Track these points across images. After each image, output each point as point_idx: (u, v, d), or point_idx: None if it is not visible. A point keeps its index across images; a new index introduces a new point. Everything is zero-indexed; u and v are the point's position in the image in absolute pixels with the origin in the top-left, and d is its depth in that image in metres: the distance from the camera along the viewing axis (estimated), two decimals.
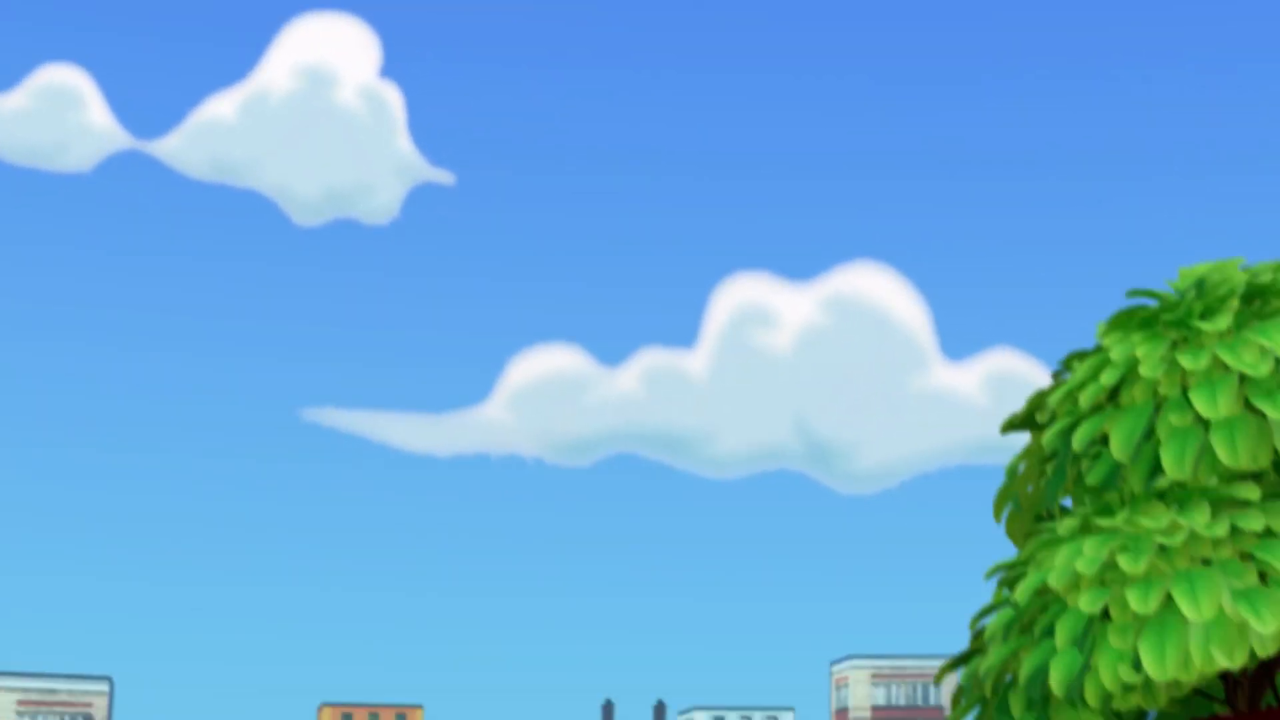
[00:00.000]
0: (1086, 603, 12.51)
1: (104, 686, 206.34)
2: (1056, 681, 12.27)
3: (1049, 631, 12.69)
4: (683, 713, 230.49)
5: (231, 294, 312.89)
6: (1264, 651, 12.09)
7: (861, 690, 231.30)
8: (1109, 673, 12.23)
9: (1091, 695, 12.13)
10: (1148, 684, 12.34)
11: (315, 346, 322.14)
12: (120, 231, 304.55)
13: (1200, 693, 13.42)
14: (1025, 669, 12.49)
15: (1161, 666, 12.05)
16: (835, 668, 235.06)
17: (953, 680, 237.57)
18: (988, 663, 12.77)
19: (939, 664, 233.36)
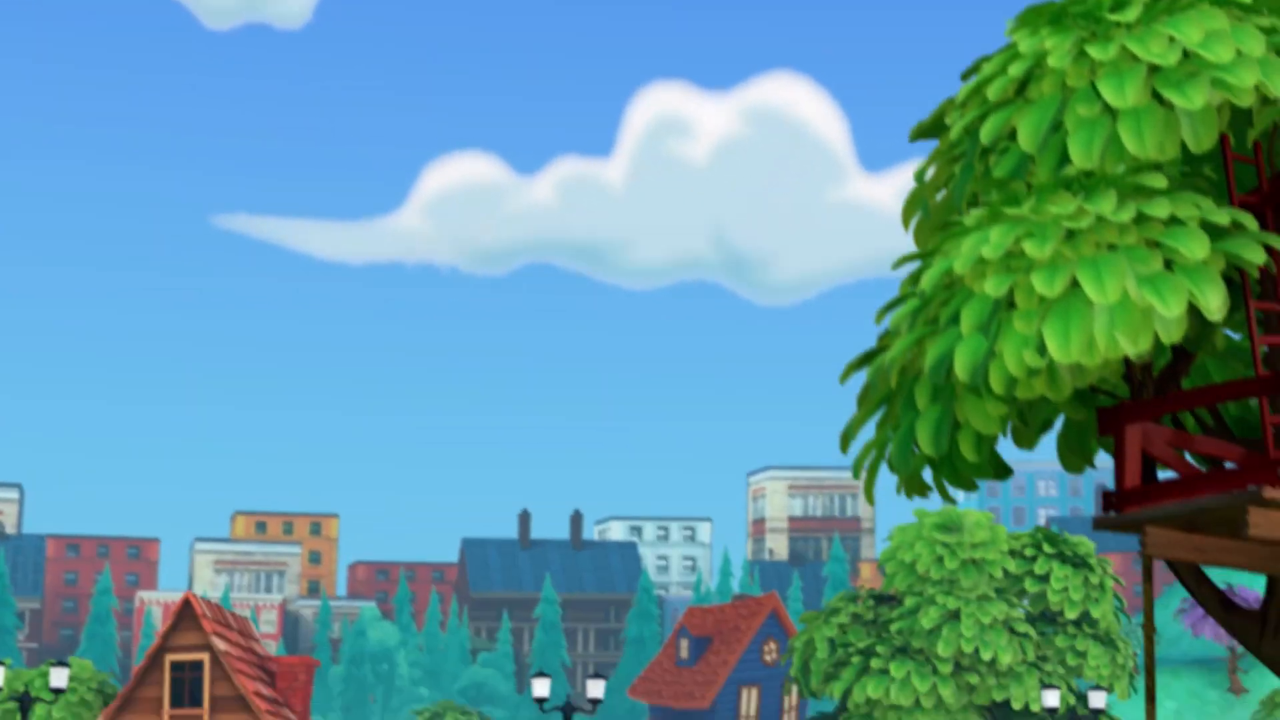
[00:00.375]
0: (992, 287, 12.41)
1: (14, 494, 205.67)
2: (961, 367, 12.18)
3: (954, 319, 12.59)
4: (599, 523, 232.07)
5: (139, 100, 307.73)
6: (1168, 337, 12.01)
7: (779, 501, 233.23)
8: (1014, 357, 12.14)
9: (996, 381, 12.05)
10: (1051, 369, 12.27)
11: (226, 154, 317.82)
12: (21, 37, 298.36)
13: (1106, 394, 13.36)
14: (930, 357, 12.39)
15: (1065, 349, 11.97)
16: (752, 479, 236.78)
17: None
18: (892, 354, 12.67)
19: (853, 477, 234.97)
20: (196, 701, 57.32)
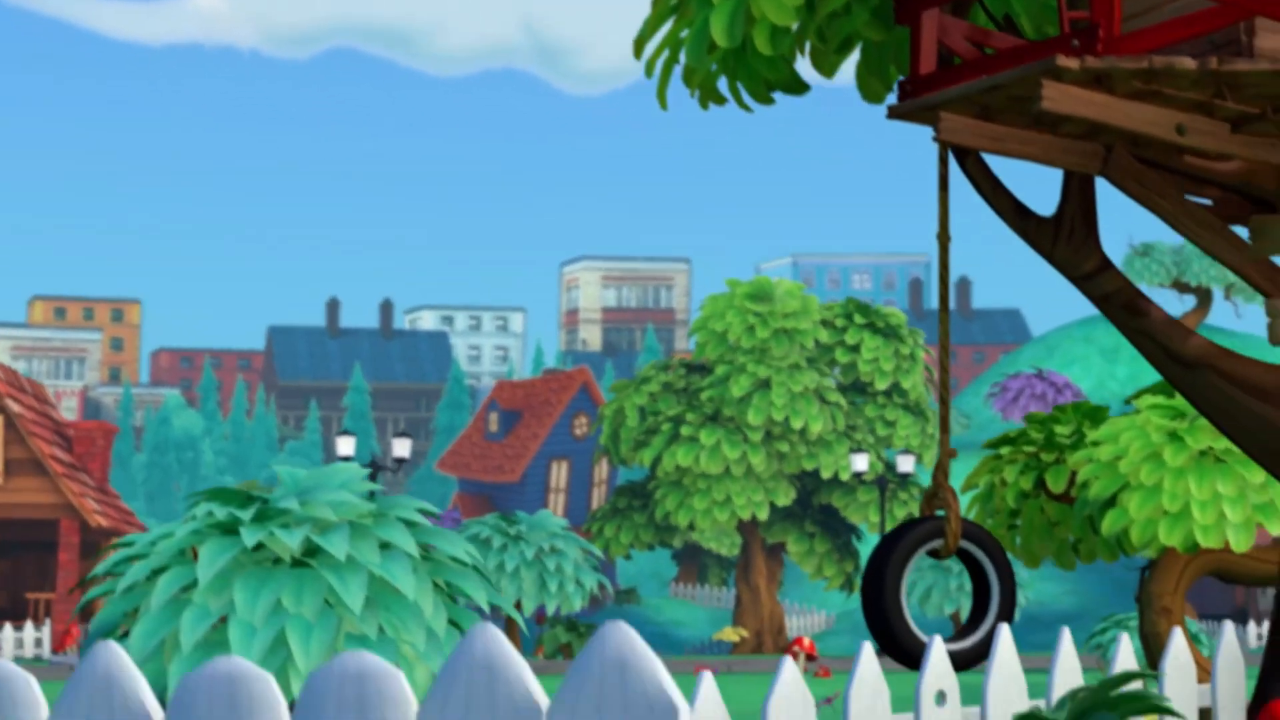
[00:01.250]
0: None
1: None
2: None
3: None
4: (409, 312, 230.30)
5: None
6: None
7: (592, 291, 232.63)
8: None
9: None
10: None
11: None
12: None
13: None
14: None
15: None
16: (566, 269, 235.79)
17: (683, 282, 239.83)
18: None
19: (669, 266, 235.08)
20: None
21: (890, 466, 61.68)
